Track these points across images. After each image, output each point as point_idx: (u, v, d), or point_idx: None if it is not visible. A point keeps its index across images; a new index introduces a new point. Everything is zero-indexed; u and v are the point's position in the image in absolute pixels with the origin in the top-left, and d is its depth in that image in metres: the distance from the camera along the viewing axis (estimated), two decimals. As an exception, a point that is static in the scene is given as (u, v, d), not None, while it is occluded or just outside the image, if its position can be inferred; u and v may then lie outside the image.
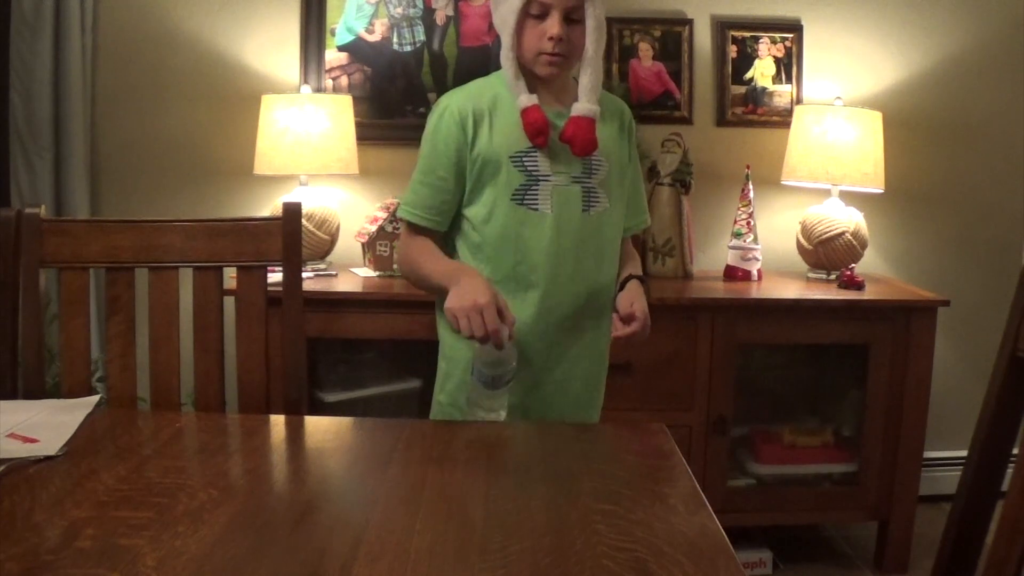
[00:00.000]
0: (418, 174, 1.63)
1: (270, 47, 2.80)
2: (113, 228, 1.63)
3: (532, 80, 1.59)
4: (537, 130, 1.54)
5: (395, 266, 2.59)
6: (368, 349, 2.67)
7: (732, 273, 2.74)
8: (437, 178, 1.61)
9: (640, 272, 1.72)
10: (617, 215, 1.67)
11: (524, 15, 1.54)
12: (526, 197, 1.57)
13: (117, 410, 1.58)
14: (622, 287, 1.66)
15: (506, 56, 1.58)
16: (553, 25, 1.53)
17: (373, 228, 2.59)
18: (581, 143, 1.56)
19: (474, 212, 1.60)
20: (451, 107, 1.60)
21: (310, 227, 2.56)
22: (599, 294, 1.65)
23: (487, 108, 1.59)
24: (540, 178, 1.57)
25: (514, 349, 1.48)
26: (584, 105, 1.57)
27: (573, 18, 1.54)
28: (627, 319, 1.59)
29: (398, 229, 2.58)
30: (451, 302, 1.47)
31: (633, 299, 1.62)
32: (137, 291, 1.62)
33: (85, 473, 1.20)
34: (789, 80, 2.93)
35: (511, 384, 1.49)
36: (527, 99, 1.56)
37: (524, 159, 1.56)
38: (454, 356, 1.66)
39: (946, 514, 1.16)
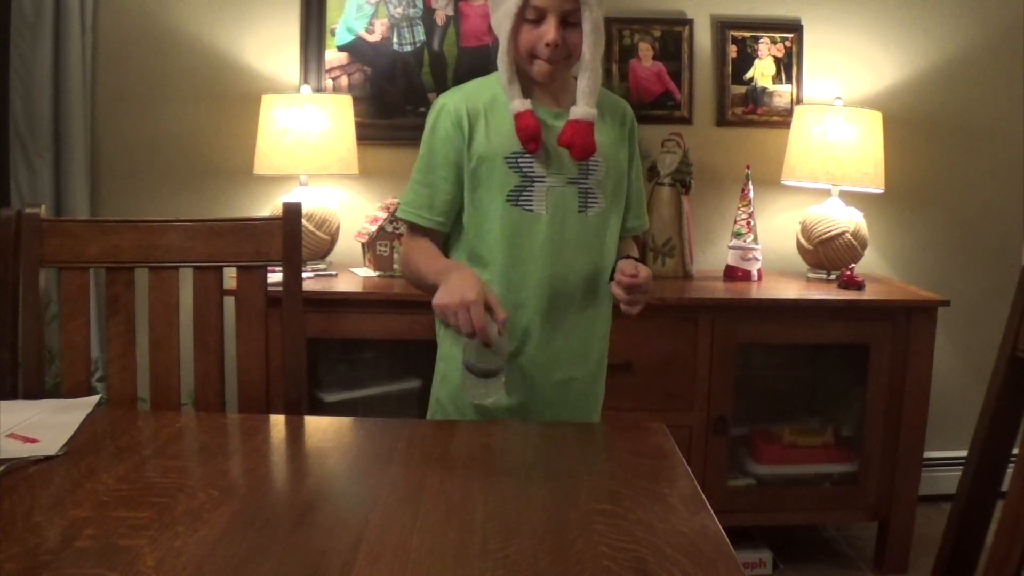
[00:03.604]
0: (417, 173, 1.63)
1: (270, 47, 2.80)
2: (113, 228, 1.63)
3: (529, 82, 1.58)
4: (529, 136, 1.54)
5: (395, 266, 2.59)
6: (368, 349, 2.67)
7: (732, 273, 2.74)
8: (437, 177, 1.60)
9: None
10: (615, 216, 1.66)
11: (520, 19, 1.53)
12: (521, 198, 1.57)
13: (117, 410, 1.58)
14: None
15: (502, 59, 1.56)
16: (549, 30, 1.51)
17: (373, 228, 2.59)
18: (580, 147, 1.55)
19: (469, 213, 1.60)
20: (448, 106, 1.59)
21: (310, 227, 2.56)
22: (597, 295, 1.65)
23: (483, 108, 1.58)
24: (535, 179, 1.57)
25: (504, 344, 1.48)
26: (582, 109, 1.56)
27: (570, 21, 1.53)
28: (630, 272, 1.54)
29: (398, 229, 2.58)
30: (439, 298, 1.45)
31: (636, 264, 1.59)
32: (137, 291, 1.62)
33: (85, 473, 1.20)
34: (789, 80, 2.93)
35: (503, 376, 1.49)
36: (520, 104, 1.54)
37: (519, 160, 1.56)
38: (452, 355, 1.65)
39: (946, 514, 1.16)
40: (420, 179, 1.62)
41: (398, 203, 2.57)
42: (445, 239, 1.66)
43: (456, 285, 1.44)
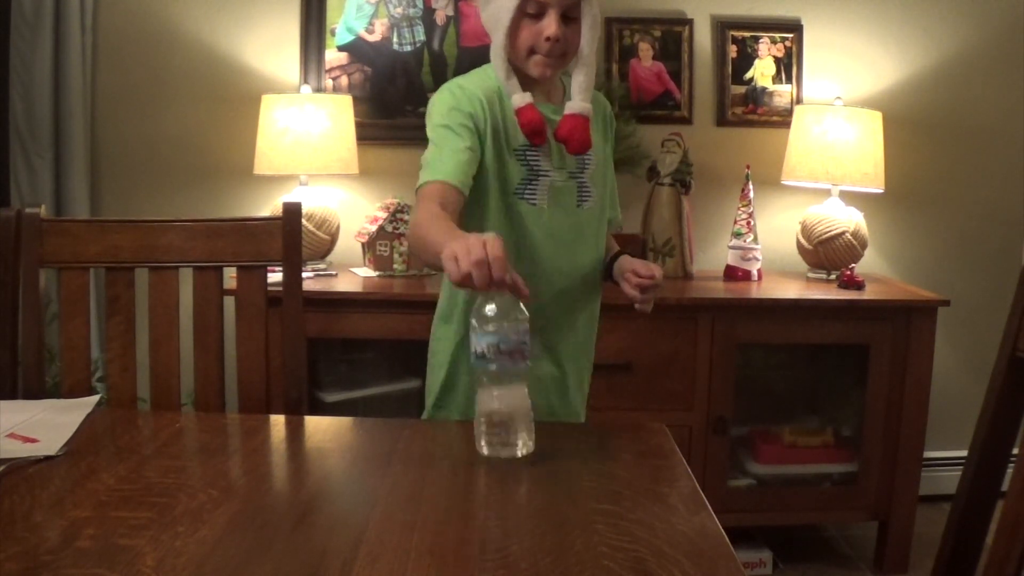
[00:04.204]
0: (434, 147, 1.48)
1: (270, 47, 2.80)
2: (113, 228, 1.63)
3: (523, 79, 1.56)
4: (534, 130, 1.53)
5: (396, 266, 2.59)
6: (368, 349, 2.67)
7: (732, 273, 2.74)
8: (457, 145, 1.47)
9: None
10: (603, 209, 1.67)
11: (520, 13, 1.51)
12: (526, 192, 1.56)
13: (117, 410, 1.58)
14: (613, 260, 1.64)
15: (497, 55, 1.54)
16: (550, 25, 1.49)
17: (373, 228, 2.59)
18: (577, 142, 1.55)
19: (473, 209, 1.59)
20: (466, 86, 1.54)
21: (310, 227, 2.56)
22: (590, 289, 1.66)
23: (492, 100, 1.55)
24: (540, 173, 1.57)
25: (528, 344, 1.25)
26: (578, 103, 1.55)
27: (570, 16, 1.51)
28: (647, 274, 1.54)
29: (398, 229, 2.58)
30: (451, 246, 1.22)
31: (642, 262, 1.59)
32: (137, 291, 1.62)
33: (85, 473, 1.20)
34: (789, 80, 2.93)
35: (527, 368, 1.24)
36: (521, 98, 1.53)
37: (527, 154, 1.55)
38: (457, 367, 1.63)
39: (946, 514, 1.16)
40: (440, 144, 1.48)
41: (398, 203, 2.60)
42: (460, 212, 1.48)
43: (473, 238, 1.24)
